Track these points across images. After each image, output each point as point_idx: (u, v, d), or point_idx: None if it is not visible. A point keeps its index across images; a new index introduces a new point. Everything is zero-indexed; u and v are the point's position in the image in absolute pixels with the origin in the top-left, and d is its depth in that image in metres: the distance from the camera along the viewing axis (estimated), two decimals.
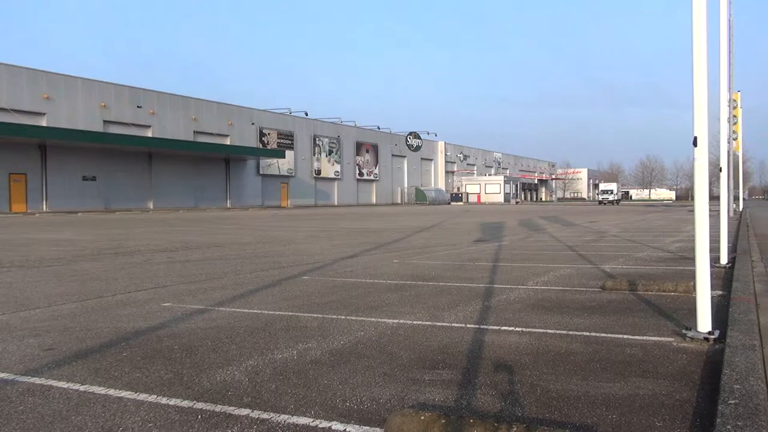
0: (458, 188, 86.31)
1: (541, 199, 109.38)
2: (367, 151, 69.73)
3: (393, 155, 74.30)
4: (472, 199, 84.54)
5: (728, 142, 9.97)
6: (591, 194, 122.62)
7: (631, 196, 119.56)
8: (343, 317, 4.94)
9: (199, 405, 2.88)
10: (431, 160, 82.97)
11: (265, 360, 3.66)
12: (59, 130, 37.38)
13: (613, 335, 4.20)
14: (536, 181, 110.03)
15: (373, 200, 70.31)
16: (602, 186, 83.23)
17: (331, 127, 64.43)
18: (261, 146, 54.21)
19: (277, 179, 56.83)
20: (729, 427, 2.32)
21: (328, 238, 15.11)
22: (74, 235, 16.29)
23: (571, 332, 4.31)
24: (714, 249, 6.88)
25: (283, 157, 54.34)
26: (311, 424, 2.63)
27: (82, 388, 3.16)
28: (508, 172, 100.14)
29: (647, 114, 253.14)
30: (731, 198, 23.07)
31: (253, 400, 2.94)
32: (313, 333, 4.37)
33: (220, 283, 7.04)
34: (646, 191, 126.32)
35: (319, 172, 61.98)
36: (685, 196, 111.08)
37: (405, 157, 76.26)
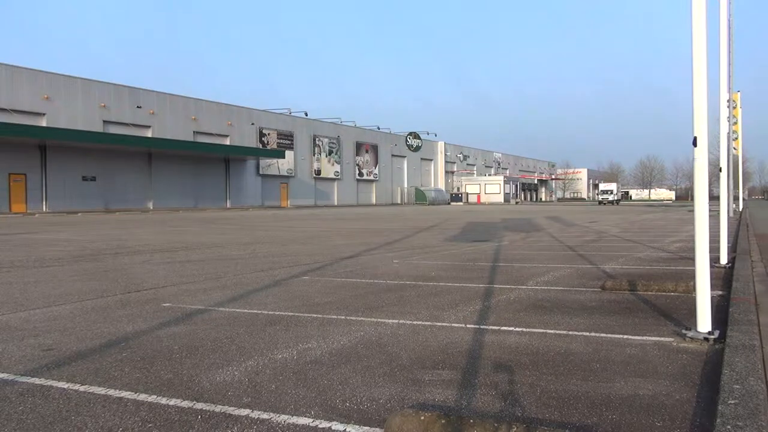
0: (458, 188, 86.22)
1: (541, 199, 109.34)
2: (367, 151, 69.71)
3: (393, 155, 74.28)
4: (472, 199, 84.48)
5: (728, 142, 9.97)
6: (591, 194, 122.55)
7: (630, 196, 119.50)
8: (343, 317, 4.95)
9: (199, 405, 2.88)
10: (431, 160, 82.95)
11: (265, 360, 3.66)
12: (59, 130, 37.36)
13: (613, 335, 4.20)
14: (536, 181, 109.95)
15: (373, 200, 70.30)
16: (602, 186, 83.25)
17: (331, 127, 64.42)
18: (261, 146, 54.20)
19: (276, 179, 56.82)
20: (729, 427, 2.32)
21: (327, 238, 15.11)
22: (74, 236, 16.28)
23: (571, 332, 4.31)
24: (714, 249, 6.89)
25: (283, 157, 54.34)
26: (311, 425, 2.63)
27: (82, 388, 3.16)
28: (507, 172, 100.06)
29: (647, 114, 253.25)
30: (731, 198, 23.05)
31: (253, 400, 2.94)
32: (313, 333, 4.37)
33: (220, 283, 7.05)
34: (646, 191, 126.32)
35: (318, 172, 61.97)
36: (685, 196, 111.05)
37: (405, 157, 76.23)
